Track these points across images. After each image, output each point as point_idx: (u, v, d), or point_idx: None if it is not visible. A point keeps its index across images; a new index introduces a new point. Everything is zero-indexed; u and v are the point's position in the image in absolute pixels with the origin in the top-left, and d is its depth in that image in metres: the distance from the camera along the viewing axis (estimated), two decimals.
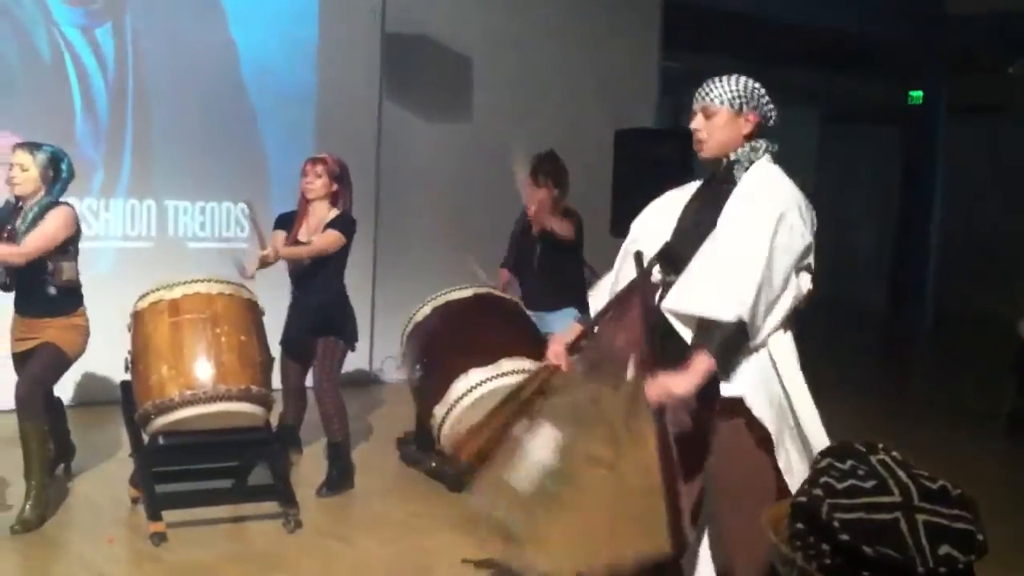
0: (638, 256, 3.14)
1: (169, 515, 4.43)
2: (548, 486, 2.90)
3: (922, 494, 1.46)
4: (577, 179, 5.92)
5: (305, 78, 7.53)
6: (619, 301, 3.15)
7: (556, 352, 3.23)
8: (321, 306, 5.12)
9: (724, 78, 3.07)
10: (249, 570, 4.24)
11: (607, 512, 2.81)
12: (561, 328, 5.71)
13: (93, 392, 6.38)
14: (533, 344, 5.22)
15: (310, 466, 5.38)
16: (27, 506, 4.45)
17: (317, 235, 5.04)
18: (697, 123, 3.09)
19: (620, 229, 7.31)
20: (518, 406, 3.18)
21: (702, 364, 2.82)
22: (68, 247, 4.55)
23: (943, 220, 13.24)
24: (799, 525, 1.52)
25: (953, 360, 11.12)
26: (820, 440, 2.91)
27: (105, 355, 4.99)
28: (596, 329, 3.23)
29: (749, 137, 3.05)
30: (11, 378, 4.60)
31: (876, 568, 1.42)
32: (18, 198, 4.55)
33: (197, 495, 4.74)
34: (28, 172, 4.50)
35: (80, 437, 5.34)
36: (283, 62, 7.41)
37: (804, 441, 2.96)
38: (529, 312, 5.65)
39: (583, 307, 5.94)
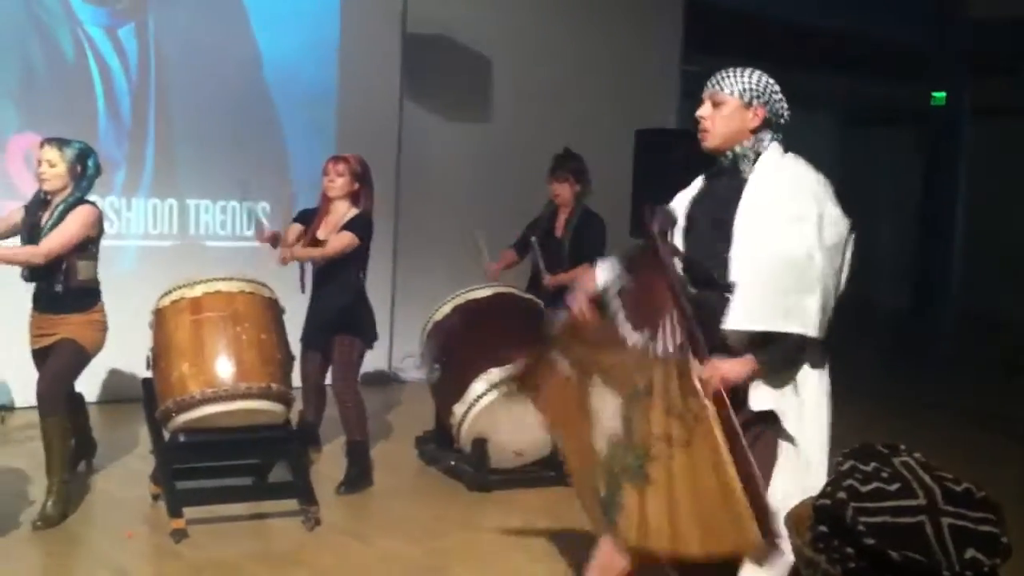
0: (663, 233, 3.10)
1: (190, 512, 4.44)
2: (629, 461, 2.90)
3: (947, 497, 1.45)
4: (597, 179, 5.93)
5: (326, 78, 7.55)
6: (635, 265, 3.15)
7: (581, 304, 3.14)
8: (340, 305, 5.14)
9: (738, 69, 3.05)
10: (269, 567, 4.25)
11: (693, 498, 2.80)
12: None
13: (115, 389, 6.42)
14: None
15: (329, 464, 5.40)
16: (49, 502, 4.47)
17: (334, 234, 5.06)
18: (704, 111, 3.05)
19: (639, 230, 7.32)
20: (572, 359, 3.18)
21: (751, 363, 2.85)
22: (88, 246, 4.58)
23: (966, 222, 13.16)
24: (822, 527, 1.51)
25: (976, 361, 11.03)
26: (819, 461, 2.93)
27: (127, 353, 5.03)
28: (620, 291, 3.16)
29: (755, 131, 3.00)
30: (32, 375, 4.64)
31: (901, 572, 1.41)
32: (46, 193, 4.59)
33: (217, 492, 4.76)
34: (56, 168, 4.52)
35: (102, 434, 5.38)
36: (304, 62, 7.43)
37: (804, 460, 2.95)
38: (550, 310, 5.65)
39: None
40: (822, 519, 1.52)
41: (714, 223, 2.99)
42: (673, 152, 7.49)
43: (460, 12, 8.12)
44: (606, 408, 3.02)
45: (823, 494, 1.54)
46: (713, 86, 3.04)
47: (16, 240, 4.69)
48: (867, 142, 15.04)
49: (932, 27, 12.06)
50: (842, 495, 1.49)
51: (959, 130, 13.01)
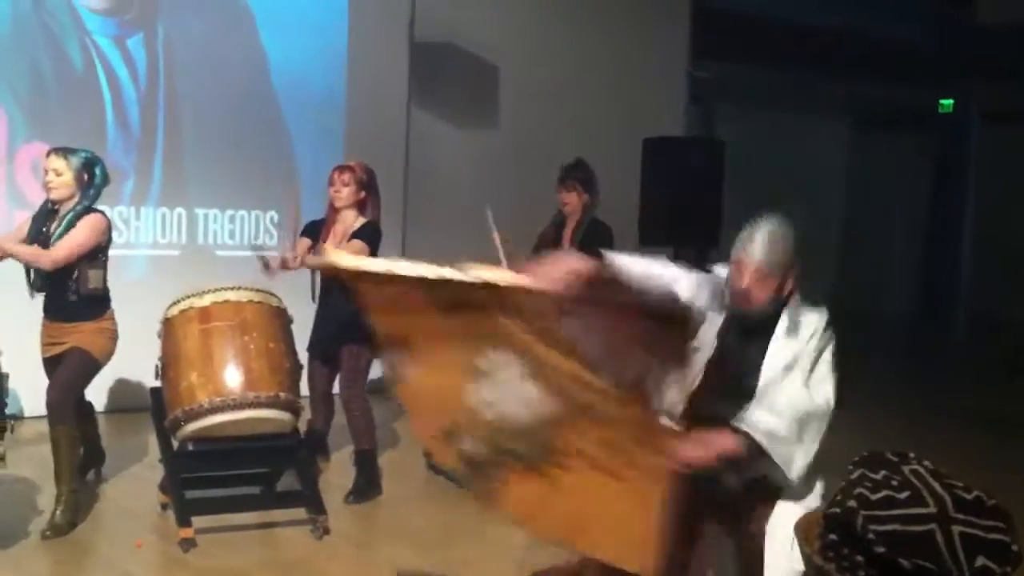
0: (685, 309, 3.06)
1: (198, 521, 4.45)
2: (525, 449, 2.83)
3: (957, 505, 1.44)
4: (604, 187, 5.92)
5: (334, 86, 7.57)
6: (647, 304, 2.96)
7: (555, 275, 2.72)
8: (347, 313, 5.12)
9: (773, 237, 3.07)
10: None
11: (588, 504, 2.80)
12: None
13: (124, 399, 6.43)
14: None
15: (338, 473, 5.40)
16: (58, 511, 4.48)
17: (343, 244, 5.06)
18: (747, 283, 3.04)
19: (648, 237, 7.33)
20: (478, 319, 2.79)
21: (733, 441, 2.91)
22: (97, 255, 4.59)
23: (975, 227, 13.12)
24: (832, 536, 1.50)
25: (986, 367, 10.99)
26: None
27: (136, 362, 5.03)
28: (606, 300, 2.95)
29: (793, 290, 3.11)
30: (40, 384, 4.65)
31: None
32: (53, 202, 4.60)
33: (226, 501, 4.76)
34: (63, 177, 4.54)
35: (111, 443, 5.39)
36: (313, 71, 7.45)
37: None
38: None
39: None
40: (832, 527, 1.51)
41: (750, 366, 3.10)
42: (680, 160, 7.52)
43: (467, 19, 8.14)
44: (508, 385, 2.81)
45: (833, 502, 1.54)
46: (755, 259, 3.04)
47: None
48: (876, 147, 15.00)
49: (939, 32, 12.04)
50: (852, 503, 1.48)
51: (967, 135, 12.98)
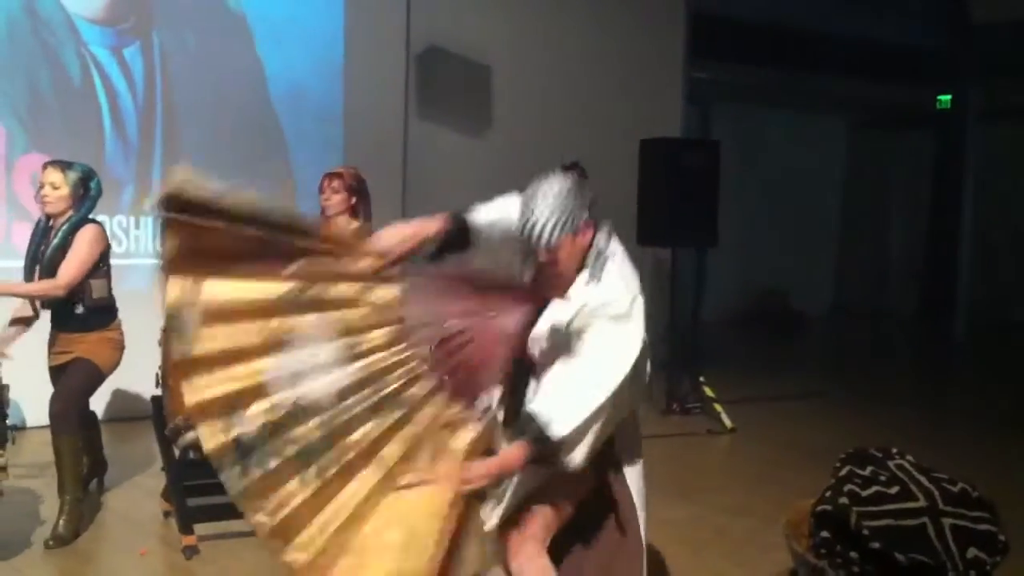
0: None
1: (201, 528, 4.46)
2: (309, 436, 2.51)
3: (945, 498, 1.46)
4: (603, 188, 5.91)
5: (332, 96, 7.58)
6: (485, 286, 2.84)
7: (376, 250, 2.72)
8: None
9: (546, 209, 2.74)
10: None
11: (369, 514, 2.53)
12: None
13: (125, 407, 6.44)
14: None
15: None
16: (61, 521, 4.49)
17: None
18: (550, 269, 2.75)
19: (646, 238, 7.34)
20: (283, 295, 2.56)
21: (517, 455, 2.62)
22: (99, 264, 4.61)
23: (975, 226, 13.14)
24: (824, 533, 1.52)
25: (987, 367, 11.00)
26: None
27: (137, 371, 5.04)
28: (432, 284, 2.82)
29: (590, 245, 2.80)
30: (43, 394, 4.66)
31: (907, 574, 1.42)
32: (49, 217, 4.62)
33: (229, 508, 4.71)
34: (59, 190, 4.55)
35: (113, 451, 5.40)
36: (310, 80, 7.47)
37: None
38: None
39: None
40: (823, 525, 1.53)
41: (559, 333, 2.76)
42: (677, 160, 7.52)
43: (463, 27, 8.16)
44: (311, 361, 2.54)
45: (823, 500, 1.55)
46: (543, 243, 2.70)
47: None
48: (875, 146, 15.02)
49: (936, 30, 12.06)
50: (844, 500, 1.50)
51: (965, 133, 12.99)
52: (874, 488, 1.49)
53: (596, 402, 2.61)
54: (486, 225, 2.96)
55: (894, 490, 1.49)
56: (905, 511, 1.47)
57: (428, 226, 2.90)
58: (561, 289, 2.75)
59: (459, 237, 2.93)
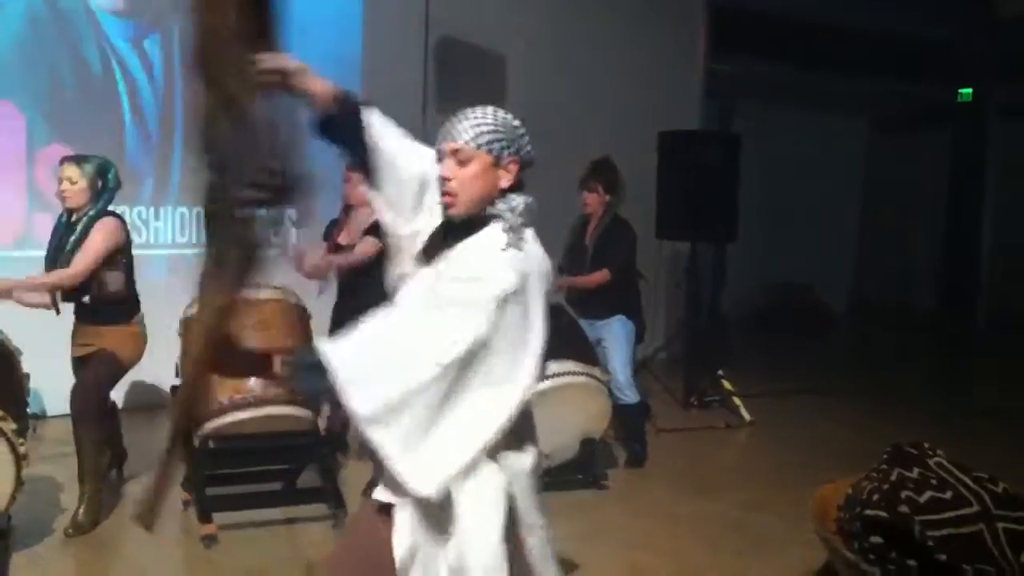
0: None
1: (220, 517, 4.49)
2: None
3: (994, 500, 1.44)
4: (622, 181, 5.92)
5: (350, 86, 7.51)
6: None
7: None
8: (364, 310, 5.14)
9: (479, 112, 2.45)
10: (298, 571, 4.27)
11: None
12: (610, 335, 5.71)
13: (145, 397, 6.47)
14: (583, 350, 5.25)
15: (358, 469, 5.40)
16: (80, 510, 4.53)
17: (357, 240, 5.09)
18: (448, 170, 2.42)
19: (665, 231, 7.32)
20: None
21: None
22: (116, 257, 4.62)
23: (995, 221, 13.04)
24: (876, 539, 1.49)
25: (1007, 362, 10.92)
26: None
27: (157, 361, 5.06)
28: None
29: (507, 190, 2.42)
30: (63, 384, 4.69)
31: None
32: (70, 212, 4.64)
33: (247, 498, 4.79)
34: (77, 185, 4.58)
35: (132, 441, 5.42)
36: (328, 71, 7.37)
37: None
38: (580, 320, 5.64)
39: (632, 315, 5.90)
40: (873, 530, 1.50)
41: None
42: (695, 153, 7.49)
43: (482, 17, 8.14)
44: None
45: (872, 504, 1.51)
46: (454, 137, 2.44)
47: None
48: (894, 143, 14.92)
49: (957, 27, 11.95)
50: (904, 509, 1.47)
51: (985, 130, 12.90)
52: (928, 494, 1.47)
53: (404, 386, 2.30)
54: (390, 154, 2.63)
55: (948, 495, 1.47)
56: (962, 518, 1.46)
57: (313, 81, 2.57)
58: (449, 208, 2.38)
59: (347, 125, 2.60)
